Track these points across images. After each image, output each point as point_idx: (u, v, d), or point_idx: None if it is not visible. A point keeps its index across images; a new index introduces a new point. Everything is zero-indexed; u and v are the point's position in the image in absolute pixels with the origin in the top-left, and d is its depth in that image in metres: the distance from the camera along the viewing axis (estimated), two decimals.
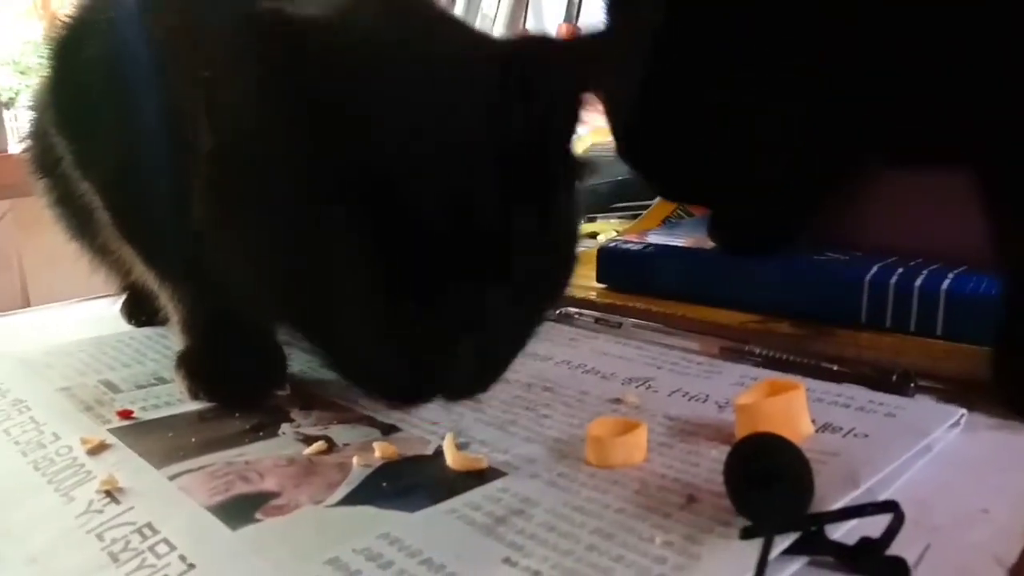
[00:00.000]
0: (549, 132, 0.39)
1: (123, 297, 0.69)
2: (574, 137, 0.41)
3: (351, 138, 0.35)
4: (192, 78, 0.39)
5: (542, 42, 0.45)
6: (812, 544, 0.31)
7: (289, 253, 0.37)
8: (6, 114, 1.52)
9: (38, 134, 0.61)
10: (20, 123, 1.66)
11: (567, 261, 0.44)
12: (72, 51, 0.52)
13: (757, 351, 0.53)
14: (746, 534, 0.31)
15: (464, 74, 0.38)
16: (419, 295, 0.36)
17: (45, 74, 0.54)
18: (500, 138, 0.37)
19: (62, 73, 0.53)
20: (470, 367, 0.40)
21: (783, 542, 0.30)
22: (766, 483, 0.31)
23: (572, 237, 0.44)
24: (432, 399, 0.42)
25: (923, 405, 0.45)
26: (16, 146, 1.34)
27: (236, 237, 0.39)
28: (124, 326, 0.68)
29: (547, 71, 0.39)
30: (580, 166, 0.42)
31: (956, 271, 0.55)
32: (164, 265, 0.52)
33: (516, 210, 0.37)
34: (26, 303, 1.34)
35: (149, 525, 0.35)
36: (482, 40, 0.44)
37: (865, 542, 0.31)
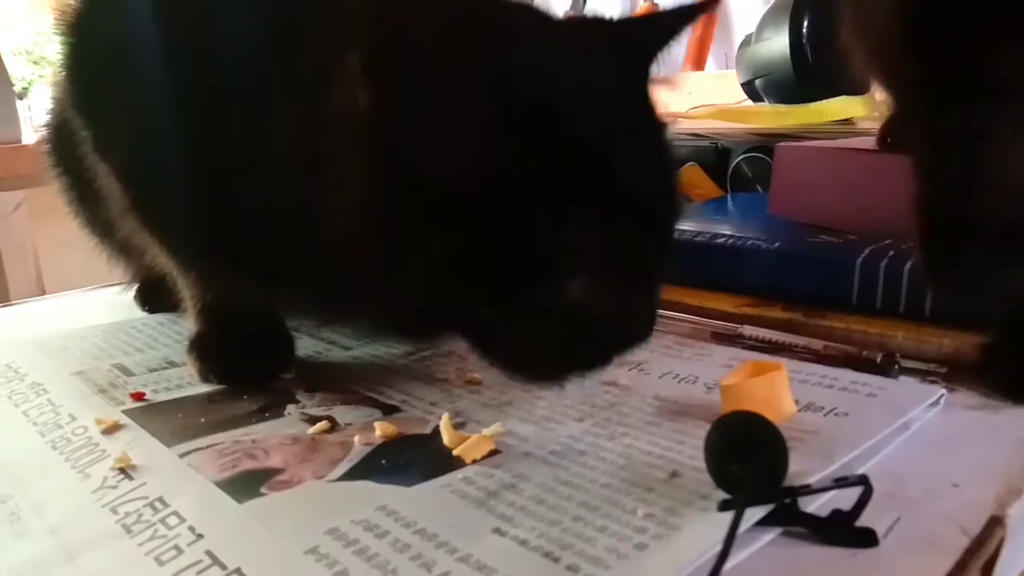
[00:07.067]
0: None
1: (137, 284, 0.70)
2: None
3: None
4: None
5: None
6: (786, 516, 0.32)
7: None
8: (19, 104, 1.53)
9: (55, 127, 0.62)
10: (34, 114, 1.67)
11: None
12: (91, 25, 0.48)
13: (747, 334, 0.54)
14: (723, 506, 0.32)
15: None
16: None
17: (60, 53, 0.49)
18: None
19: (81, 50, 0.49)
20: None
21: (757, 513, 0.31)
22: (741, 457, 0.33)
23: None
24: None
25: (905, 385, 0.46)
26: (30, 136, 1.35)
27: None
28: (137, 313, 0.70)
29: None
30: None
31: None
32: (180, 252, 0.52)
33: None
34: (41, 291, 1.37)
35: (160, 499, 0.37)
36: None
37: (836, 514, 0.32)
